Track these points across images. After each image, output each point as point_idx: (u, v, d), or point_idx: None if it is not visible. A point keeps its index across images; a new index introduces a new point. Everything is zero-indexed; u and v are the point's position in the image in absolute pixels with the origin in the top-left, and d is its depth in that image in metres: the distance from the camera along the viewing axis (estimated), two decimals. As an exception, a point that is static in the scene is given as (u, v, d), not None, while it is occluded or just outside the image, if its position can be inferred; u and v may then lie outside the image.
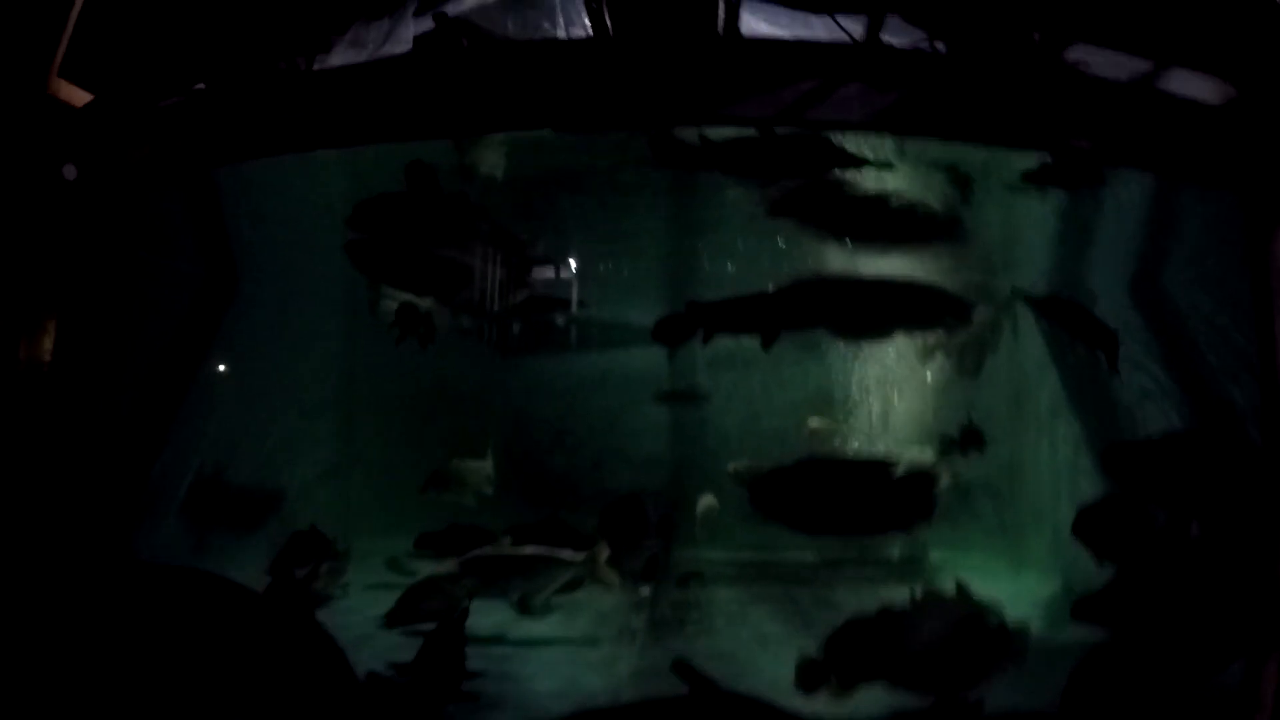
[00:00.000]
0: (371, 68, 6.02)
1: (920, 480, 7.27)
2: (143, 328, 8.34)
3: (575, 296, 12.88)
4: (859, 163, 7.10)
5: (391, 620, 7.78)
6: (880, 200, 7.48)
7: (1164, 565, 6.04)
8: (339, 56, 6.09)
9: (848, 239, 7.62)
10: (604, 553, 8.15)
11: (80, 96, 6.15)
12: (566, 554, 8.07)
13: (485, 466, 10.78)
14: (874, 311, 7.21)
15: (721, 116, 6.06)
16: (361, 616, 8.37)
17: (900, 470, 7.05)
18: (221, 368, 9.95)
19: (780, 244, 10.95)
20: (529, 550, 8.13)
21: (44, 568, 5.80)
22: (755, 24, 5.89)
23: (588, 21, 6.02)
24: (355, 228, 6.60)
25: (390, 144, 6.15)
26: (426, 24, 6.03)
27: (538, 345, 12.85)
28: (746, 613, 9.48)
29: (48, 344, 6.20)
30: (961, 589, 6.34)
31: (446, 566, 8.09)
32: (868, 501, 6.93)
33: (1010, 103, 5.59)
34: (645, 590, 9.85)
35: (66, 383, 6.30)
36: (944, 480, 10.99)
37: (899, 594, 10.25)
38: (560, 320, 12.64)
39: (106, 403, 7.24)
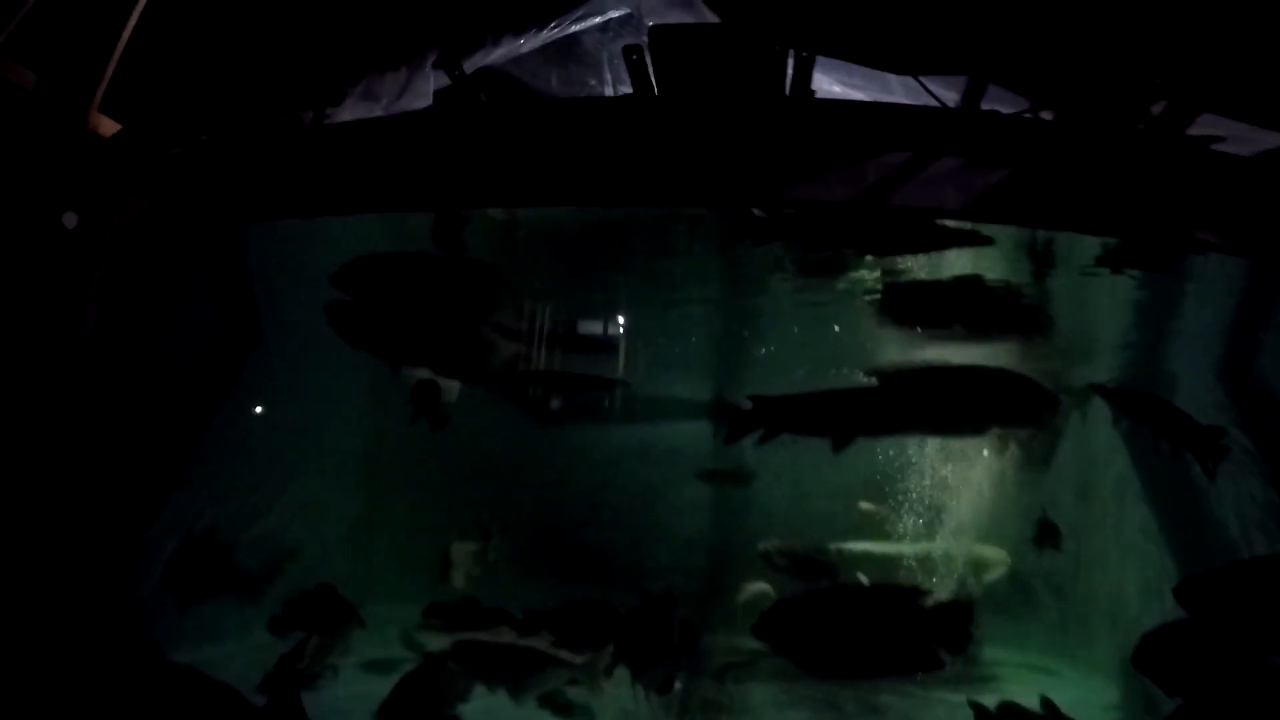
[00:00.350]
0: (385, 124, 5.40)
1: (954, 613, 6.33)
2: (157, 377, 7.96)
3: (619, 370, 12.36)
4: (944, 242, 6.34)
5: (384, 714, 7.17)
6: (949, 283, 6.89)
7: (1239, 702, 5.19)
8: (350, 111, 5.51)
9: (913, 323, 6.98)
10: (605, 662, 7.47)
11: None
12: (565, 655, 7.39)
13: (497, 546, 10.19)
14: (952, 406, 6.45)
15: (789, 198, 5.11)
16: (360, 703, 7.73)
17: (930, 602, 6.10)
18: (237, 421, 9.47)
19: (836, 328, 10.35)
20: (528, 643, 7.51)
21: (38, 622, 5.44)
22: (828, 85, 5.13)
23: (628, 76, 5.16)
24: (340, 288, 5.95)
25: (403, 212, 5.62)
26: (446, 79, 5.42)
27: (576, 413, 12.30)
28: (785, 718, 8.72)
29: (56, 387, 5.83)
30: (1048, 704, 5.60)
31: (442, 644, 7.58)
32: (889, 639, 5.99)
33: (1128, 185, 4.77)
34: (678, 684, 9.18)
35: (72, 431, 5.98)
36: (978, 613, 10.37)
37: (951, 700, 9.80)
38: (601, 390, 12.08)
39: (111, 454, 6.87)
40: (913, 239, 6.29)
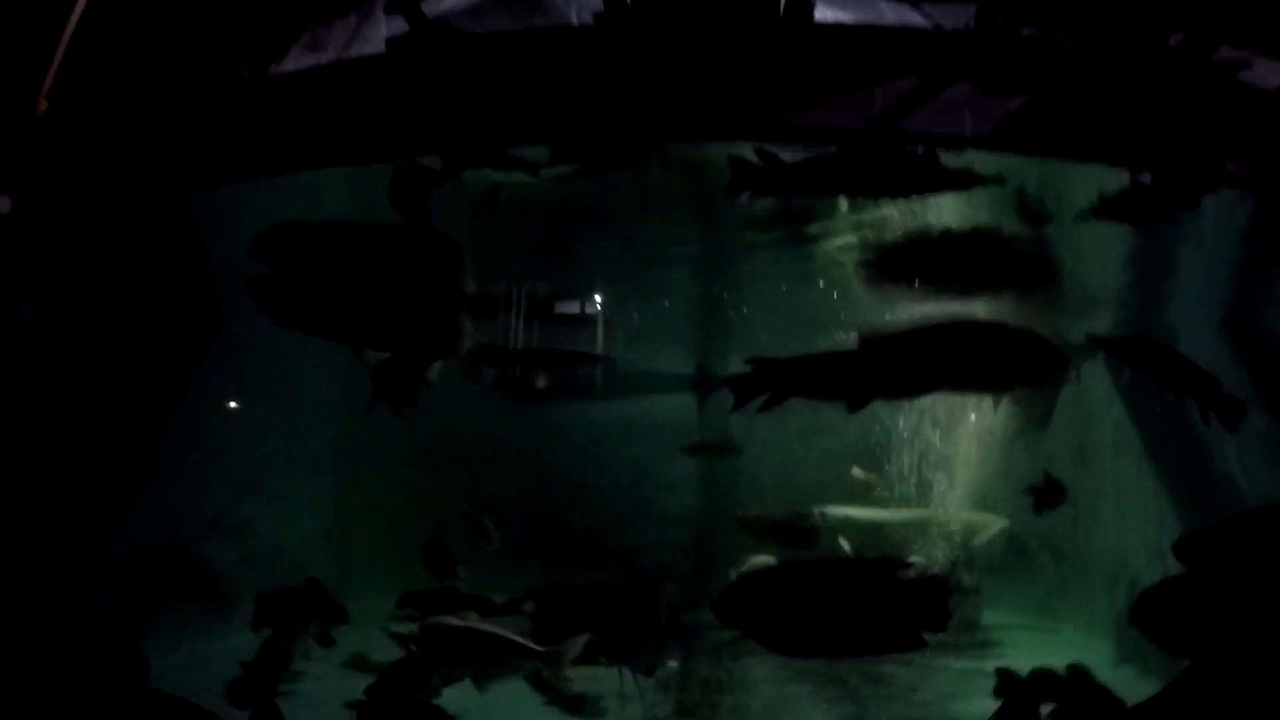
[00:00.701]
0: (334, 70, 4.99)
1: (931, 589, 5.93)
2: (108, 370, 7.55)
3: (598, 344, 12.01)
4: (952, 183, 5.91)
5: (365, 711, 6.82)
6: (942, 235, 6.54)
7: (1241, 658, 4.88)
8: (295, 62, 5.07)
9: (905, 279, 6.62)
10: (572, 652, 7.14)
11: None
12: (527, 642, 7.05)
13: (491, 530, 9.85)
14: (960, 365, 6.08)
15: (793, 127, 4.75)
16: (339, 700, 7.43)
17: (908, 575, 5.65)
18: (201, 414, 9.05)
19: (823, 285, 10.01)
20: (490, 628, 7.18)
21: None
22: (824, 10, 4.71)
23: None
24: (260, 259, 5.46)
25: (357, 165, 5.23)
26: (400, 24, 5.01)
27: (556, 392, 11.97)
28: (786, 693, 8.50)
29: None
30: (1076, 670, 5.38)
31: (407, 628, 7.25)
32: (861, 616, 5.55)
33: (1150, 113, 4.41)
34: (671, 665, 8.90)
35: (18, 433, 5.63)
36: (960, 590, 10.11)
37: (955, 667, 9.59)
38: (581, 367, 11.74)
39: (65, 455, 6.49)
40: (919, 180, 5.89)
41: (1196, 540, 5.15)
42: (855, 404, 5.90)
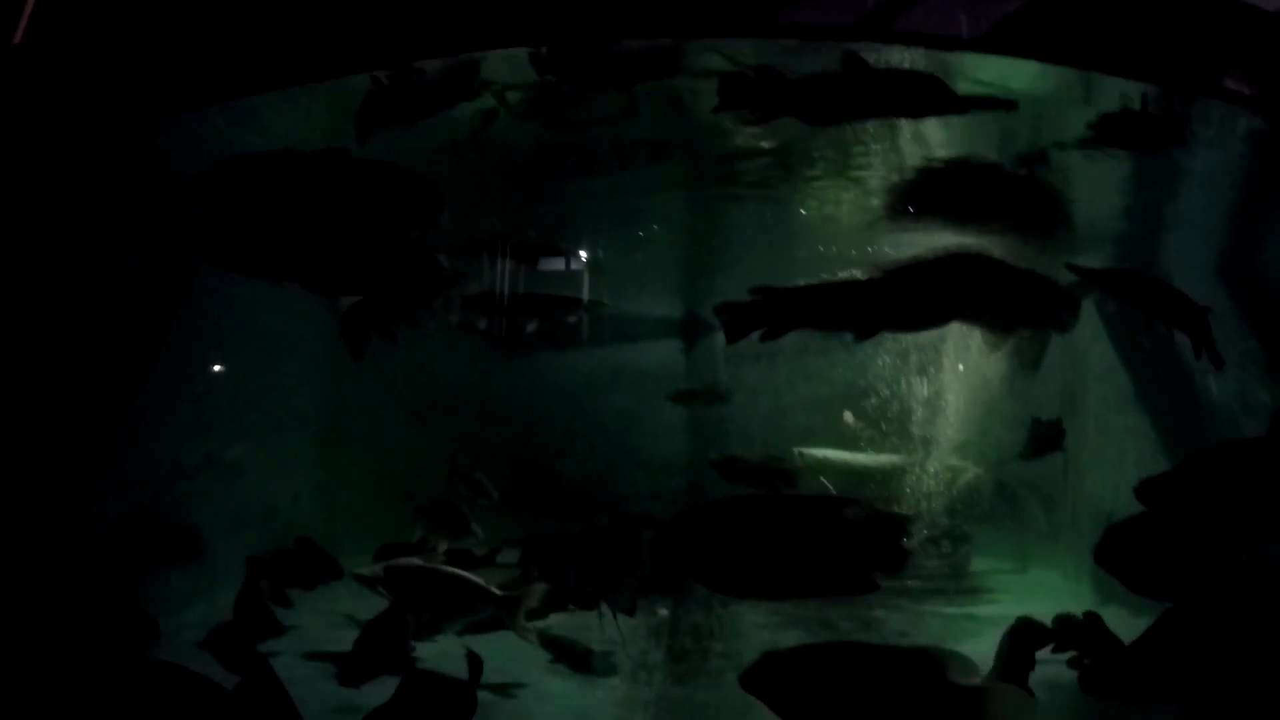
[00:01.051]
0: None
1: (883, 530, 5.73)
2: (80, 331, 7.35)
3: (584, 290, 11.85)
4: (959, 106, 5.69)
5: (345, 679, 6.73)
6: (933, 170, 6.36)
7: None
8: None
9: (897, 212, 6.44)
10: (532, 597, 7.06)
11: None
12: (488, 585, 6.95)
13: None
14: (967, 297, 5.90)
15: (778, 23, 4.52)
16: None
17: (855, 514, 5.40)
18: (178, 375, 8.85)
19: (813, 225, 9.84)
20: (452, 570, 7.10)
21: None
22: None
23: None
24: (193, 202, 5.21)
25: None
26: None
27: (541, 342, 11.84)
28: (776, 639, 8.44)
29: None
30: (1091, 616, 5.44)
31: (372, 570, 7.18)
32: (807, 556, 5.31)
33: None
34: (663, 612, 8.88)
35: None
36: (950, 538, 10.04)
37: (946, 613, 9.59)
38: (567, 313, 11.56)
39: (31, 419, 6.32)
40: (923, 102, 5.69)
41: (1157, 482, 5.04)
42: (862, 334, 5.73)
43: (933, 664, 4.37)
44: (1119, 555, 5.15)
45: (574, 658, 7.55)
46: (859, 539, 4.94)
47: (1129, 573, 5.16)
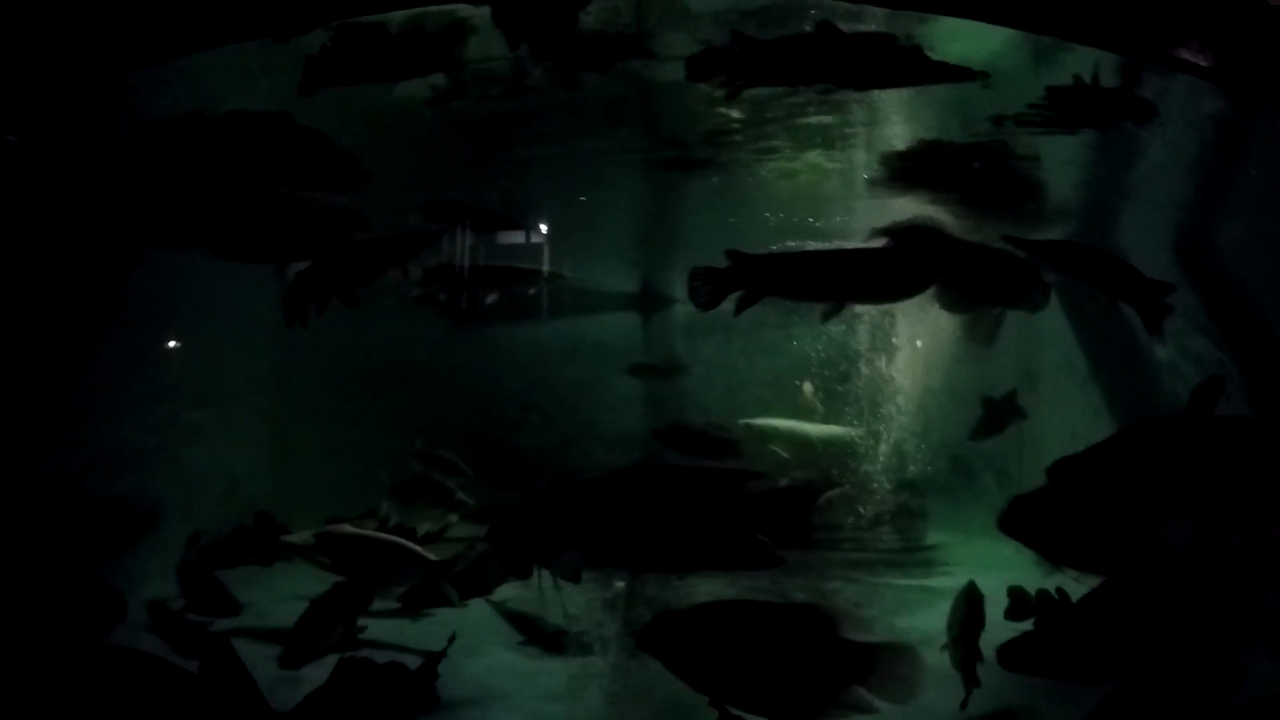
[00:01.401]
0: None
1: (787, 503, 5.60)
2: (28, 302, 7.16)
3: (542, 261, 11.72)
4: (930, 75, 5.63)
5: (287, 661, 6.66)
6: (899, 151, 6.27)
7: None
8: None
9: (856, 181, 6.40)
10: (455, 566, 7.04)
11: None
12: (420, 550, 6.90)
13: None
14: (933, 270, 5.87)
15: None
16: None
17: (761, 487, 5.27)
18: (121, 348, 8.65)
19: (773, 198, 9.79)
20: (382, 536, 7.05)
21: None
22: None
23: None
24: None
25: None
26: None
27: (498, 313, 11.72)
28: (733, 611, 8.45)
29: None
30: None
31: (301, 538, 7.13)
32: (703, 529, 4.96)
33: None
34: (619, 585, 8.85)
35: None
36: (827, 498, 10.08)
37: (900, 584, 9.65)
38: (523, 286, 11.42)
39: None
40: (894, 72, 5.64)
41: (1068, 462, 5.10)
42: (836, 301, 5.68)
43: (825, 620, 4.41)
44: (1020, 525, 5.40)
45: (547, 639, 7.59)
46: (762, 512, 4.87)
47: (1032, 540, 5.43)
